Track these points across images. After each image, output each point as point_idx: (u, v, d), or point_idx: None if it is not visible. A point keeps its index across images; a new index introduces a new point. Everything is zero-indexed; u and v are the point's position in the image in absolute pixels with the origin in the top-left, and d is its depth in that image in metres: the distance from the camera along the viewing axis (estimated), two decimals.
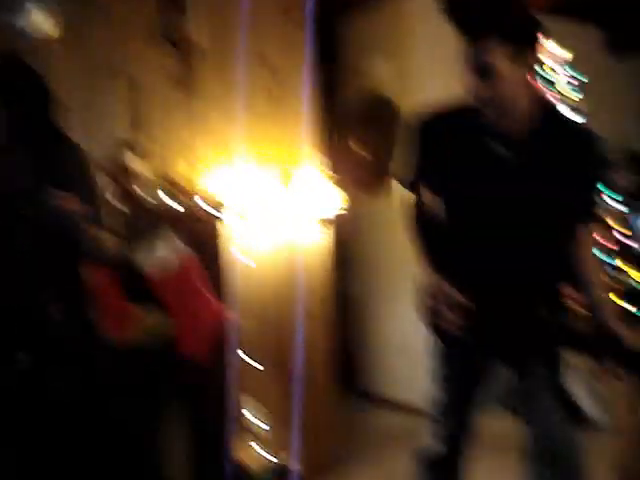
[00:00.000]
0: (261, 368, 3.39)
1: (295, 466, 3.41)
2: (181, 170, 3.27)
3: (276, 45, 3.59)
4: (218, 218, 3.21)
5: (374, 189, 4.91)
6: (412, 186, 2.54)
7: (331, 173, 3.53)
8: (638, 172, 5.16)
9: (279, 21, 3.64)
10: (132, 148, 3.13)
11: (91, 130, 3.11)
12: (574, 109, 4.52)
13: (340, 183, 3.61)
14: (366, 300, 5.23)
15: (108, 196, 2.99)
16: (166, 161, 3.32)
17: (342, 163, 5.04)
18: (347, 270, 5.31)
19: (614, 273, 4.66)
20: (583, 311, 2.81)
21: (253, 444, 3.43)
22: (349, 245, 5.29)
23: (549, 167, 2.31)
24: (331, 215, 3.51)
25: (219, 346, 3.08)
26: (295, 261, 3.59)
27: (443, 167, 2.39)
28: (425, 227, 2.57)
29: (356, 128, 5.09)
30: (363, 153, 5.02)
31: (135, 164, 3.10)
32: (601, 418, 4.24)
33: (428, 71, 4.54)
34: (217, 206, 3.22)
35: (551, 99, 4.43)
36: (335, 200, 3.48)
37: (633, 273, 4.70)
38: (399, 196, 2.60)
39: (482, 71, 2.21)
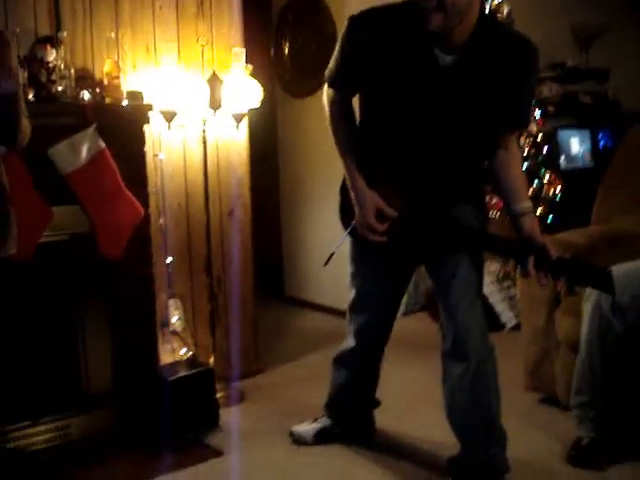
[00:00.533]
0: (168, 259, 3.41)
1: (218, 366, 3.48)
2: (106, 69, 3.16)
3: None
4: (142, 117, 3.13)
5: (302, 92, 4.88)
6: (340, 84, 2.51)
7: (256, 74, 3.46)
8: (563, 84, 5.21)
9: None
10: (54, 45, 3.00)
11: (10, 25, 2.96)
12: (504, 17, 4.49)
13: (265, 83, 3.55)
14: (291, 203, 5.27)
15: (28, 93, 2.87)
16: (90, 59, 3.20)
17: (272, 66, 5.00)
18: (273, 177, 5.31)
19: (538, 184, 4.75)
20: (505, 217, 2.88)
21: (175, 345, 3.45)
22: (273, 147, 5.29)
23: (486, 75, 2.30)
24: (246, 110, 3.47)
25: (138, 245, 3.06)
26: (217, 160, 3.60)
27: (375, 65, 2.34)
28: (350, 128, 2.56)
29: (287, 30, 5.01)
30: (292, 56, 4.96)
31: (57, 61, 2.97)
32: (512, 320, 4.42)
33: None
34: (142, 105, 3.14)
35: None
36: (257, 98, 3.42)
37: (556, 184, 4.79)
38: (326, 98, 2.58)
39: None
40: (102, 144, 2.95)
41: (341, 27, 2.42)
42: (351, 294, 2.82)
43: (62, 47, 3.02)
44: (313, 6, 4.76)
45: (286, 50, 5.06)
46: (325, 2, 4.68)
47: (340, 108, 2.55)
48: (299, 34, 4.95)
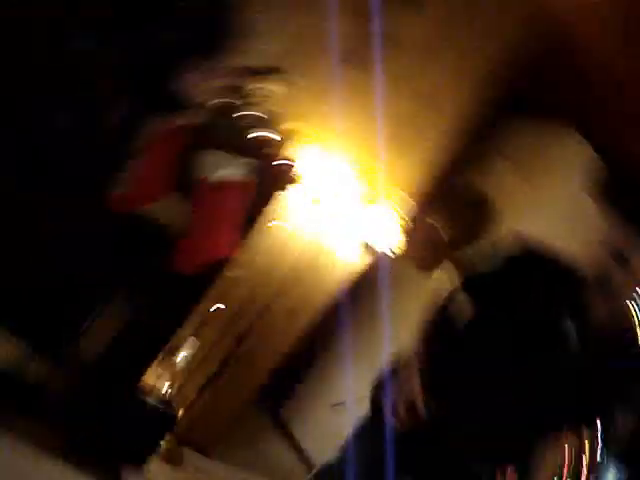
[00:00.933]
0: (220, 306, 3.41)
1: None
2: (289, 126, 3.32)
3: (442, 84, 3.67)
4: (292, 181, 3.25)
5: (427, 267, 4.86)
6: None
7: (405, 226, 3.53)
8: None
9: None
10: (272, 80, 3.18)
11: None
12: None
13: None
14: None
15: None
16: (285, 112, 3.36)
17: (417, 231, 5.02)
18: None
19: None
20: None
21: (165, 373, 3.40)
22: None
23: None
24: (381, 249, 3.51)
25: (207, 273, 3.10)
26: (320, 264, 3.66)
27: None
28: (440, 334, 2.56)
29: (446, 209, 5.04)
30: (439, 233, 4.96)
31: (269, 91, 3.13)
32: None
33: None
34: (294, 174, 3.27)
35: None
36: (392, 242, 3.48)
37: None
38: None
39: None
40: (250, 176, 3.05)
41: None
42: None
43: (278, 90, 3.20)
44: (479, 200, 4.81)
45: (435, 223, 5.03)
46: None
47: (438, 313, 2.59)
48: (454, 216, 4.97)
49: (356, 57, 3.46)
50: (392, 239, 3.49)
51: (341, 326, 4.93)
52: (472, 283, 2.47)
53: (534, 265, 2.36)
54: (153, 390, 3.27)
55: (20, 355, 2.92)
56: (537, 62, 4.09)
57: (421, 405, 2.39)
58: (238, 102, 3.08)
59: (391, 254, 3.49)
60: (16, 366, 2.88)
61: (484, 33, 3.66)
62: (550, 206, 4.46)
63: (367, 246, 3.50)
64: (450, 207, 4.74)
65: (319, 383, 5.07)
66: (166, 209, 2.98)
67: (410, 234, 3.60)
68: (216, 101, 2.99)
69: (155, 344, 3.18)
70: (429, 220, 4.62)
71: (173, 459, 3.41)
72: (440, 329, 2.48)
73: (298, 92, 3.29)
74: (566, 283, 2.31)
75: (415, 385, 2.41)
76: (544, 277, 2.33)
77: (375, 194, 3.45)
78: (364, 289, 5.13)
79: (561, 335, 2.27)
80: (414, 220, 3.35)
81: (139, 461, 3.10)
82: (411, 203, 3.54)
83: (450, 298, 2.50)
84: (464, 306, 2.43)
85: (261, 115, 3.18)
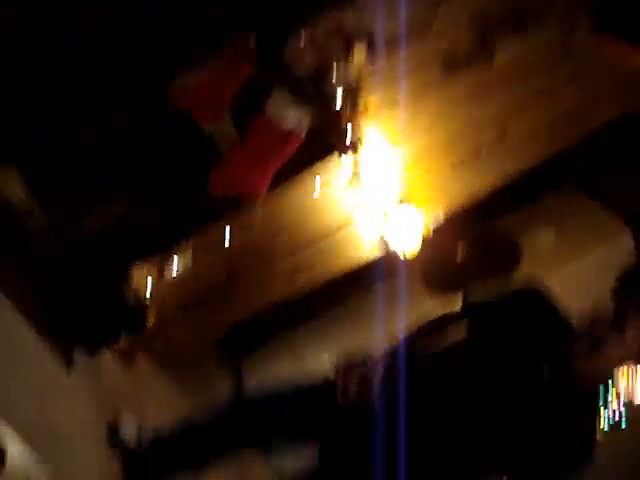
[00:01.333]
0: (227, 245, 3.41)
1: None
2: (363, 101, 3.32)
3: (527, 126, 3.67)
4: (345, 152, 3.26)
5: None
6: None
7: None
8: None
9: None
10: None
11: None
12: None
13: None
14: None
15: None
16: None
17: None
18: None
19: None
20: None
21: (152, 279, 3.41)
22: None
23: None
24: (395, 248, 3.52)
25: (231, 203, 3.11)
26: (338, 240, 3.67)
27: None
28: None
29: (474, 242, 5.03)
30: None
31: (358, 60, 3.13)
32: None
33: None
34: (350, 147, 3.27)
35: None
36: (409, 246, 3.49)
37: None
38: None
39: None
40: (305, 133, 3.04)
41: None
42: None
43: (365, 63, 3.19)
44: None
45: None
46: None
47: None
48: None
49: (454, 71, 3.47)
50: (410, 243, 3.49)
51: (330, 304, 4.98)
52: (471, 307, 2.48)
53: (533, 306, 2.38)
54: (135, 289, 3.28)
55: (26, 202, 2.93)
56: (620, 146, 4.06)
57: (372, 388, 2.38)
58: (328, 60, 3.08)
59: (402, 256, 3.50)
60: (18, 210, 2.89)
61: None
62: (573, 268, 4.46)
63: (384, 241, 3.51)
64: (479, 242, 4.76)
65: (290, 346, 5.09)
66: (214, 127, 2.99)
67: (429, 247, 3.62)
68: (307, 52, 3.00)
69: (154, 247, 3.19)
70: (454, 244, 4.65)
71: (126, 360, 3.44)
72: (427, 342, 2.47)
73: (382, 73, 3.29)
74: (556, 330, 2.31)
75: (375, 377, 2.40)
76: (538, 318, 2.35)
77: (412, 196, 3.45)
78: (367, 279, 5.15)
79: (537, 374, 2.27)
80: (438, 235, 3.37)
81: (93, 348, 3.12)
82: (442, 217, 3.55)
83: (446, 315, 2.50)
84: (457, 325, 2.43)
85: (343, 80, 3.17)
